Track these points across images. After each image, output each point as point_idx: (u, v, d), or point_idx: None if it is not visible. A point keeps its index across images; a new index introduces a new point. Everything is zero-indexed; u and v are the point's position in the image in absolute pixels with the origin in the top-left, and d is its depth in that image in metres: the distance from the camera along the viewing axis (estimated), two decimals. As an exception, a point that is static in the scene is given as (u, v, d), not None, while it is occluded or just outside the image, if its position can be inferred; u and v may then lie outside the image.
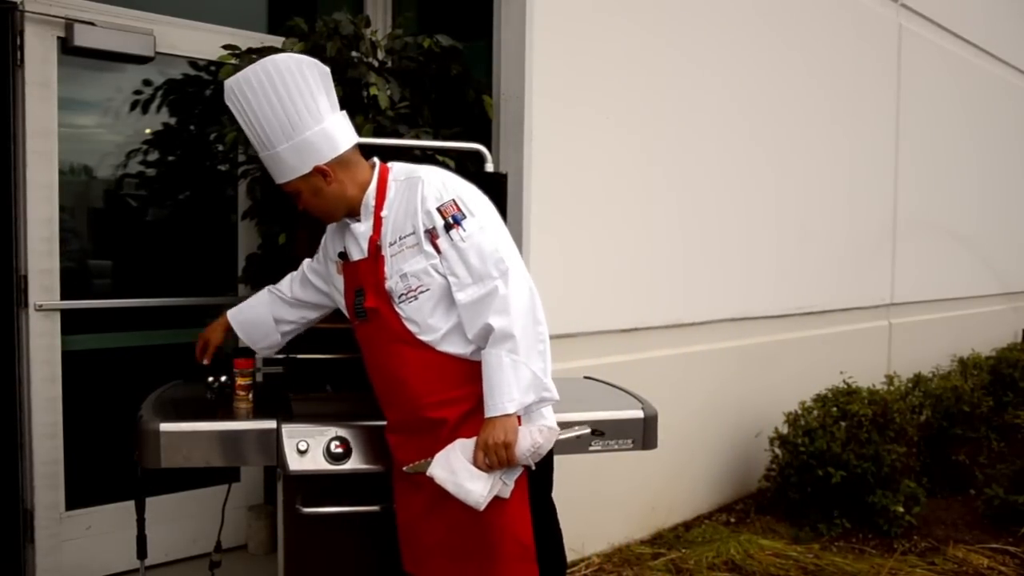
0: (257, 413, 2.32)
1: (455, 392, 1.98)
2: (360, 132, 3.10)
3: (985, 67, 7.04)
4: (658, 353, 3.99)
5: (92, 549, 3.32)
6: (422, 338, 2.00)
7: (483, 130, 3.47)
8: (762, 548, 3.77)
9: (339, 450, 2.20)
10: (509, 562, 1.98)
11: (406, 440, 2.09)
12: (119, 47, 3.22)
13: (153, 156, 3.54)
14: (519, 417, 1.94)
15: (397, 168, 2.11)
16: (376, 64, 3.32)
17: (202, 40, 3.46)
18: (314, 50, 3.23)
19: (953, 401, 4.96)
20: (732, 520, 4.28)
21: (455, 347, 1.98)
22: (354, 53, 3.23)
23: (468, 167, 3.31)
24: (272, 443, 2.21)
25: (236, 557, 3.56)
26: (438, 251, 1.96)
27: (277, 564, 2.31)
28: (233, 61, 3.24)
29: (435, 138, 3.25)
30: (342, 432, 2.22)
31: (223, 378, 2.51)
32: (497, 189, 2.75)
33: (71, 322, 3.25)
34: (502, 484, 1.95)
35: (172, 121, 3.57)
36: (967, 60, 6.75)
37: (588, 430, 2.02)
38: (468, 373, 1.97)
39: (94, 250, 3.45)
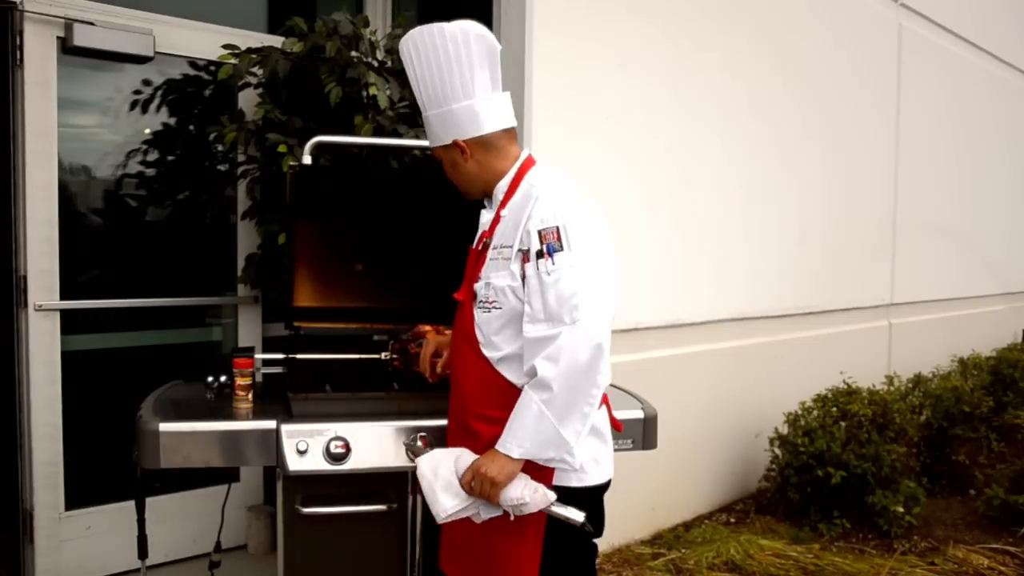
0: (257, 413, 2.31)
1: (498, 413, 1.90)
2: (359, 132, 3.11)
3: (985, 67, 7.04)
4: (658, 353, 3.99)
5: (92, 549, 3.32)
6: (483, 351, 1.94)
7: (483, 130, 3.46)
8: (762, 548, 3.77)
9: (339, 450, 2.19)
10: None
11: (455, 431, 2.07)
12: (119, 47, 3.21)
13: (153, 156, 3.54)
14: (552, 471, 1.89)
15: (536, 171, 2.00)
16: (375, 64, 3.32)
17: (202, 40, 3.46)
18: (313, 50, 3.23)
19: (953, 401, 4.95)
20: (732, 520, 4.27)
21: (511, 373, 1.91)
22: (353, 53, 3.23)
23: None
24: (272, 443, 2.21)
25: (236, 557, 3.56)
26: (523, 275, 1.86)
27: (277, 564, 2.31)
28: (232, 61, 3.24)
29: (435, 138, 3.24)
30: (342, 432, 2.21)
31: (222, 378, 2.50)
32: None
33: (71, 322, 3.25)
34: (476, 512, 1.91)
35: (172, 121, 3.56)
36: (967, 60, 6.74)
37: (581, 521, 1.90)
38: (515, 400, 1.87)
39: (93, 250, 3.45)
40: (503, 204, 1.97)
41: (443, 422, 2.28)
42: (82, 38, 3.13)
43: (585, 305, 1.80)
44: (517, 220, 1.90)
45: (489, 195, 2.03)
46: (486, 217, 2.03)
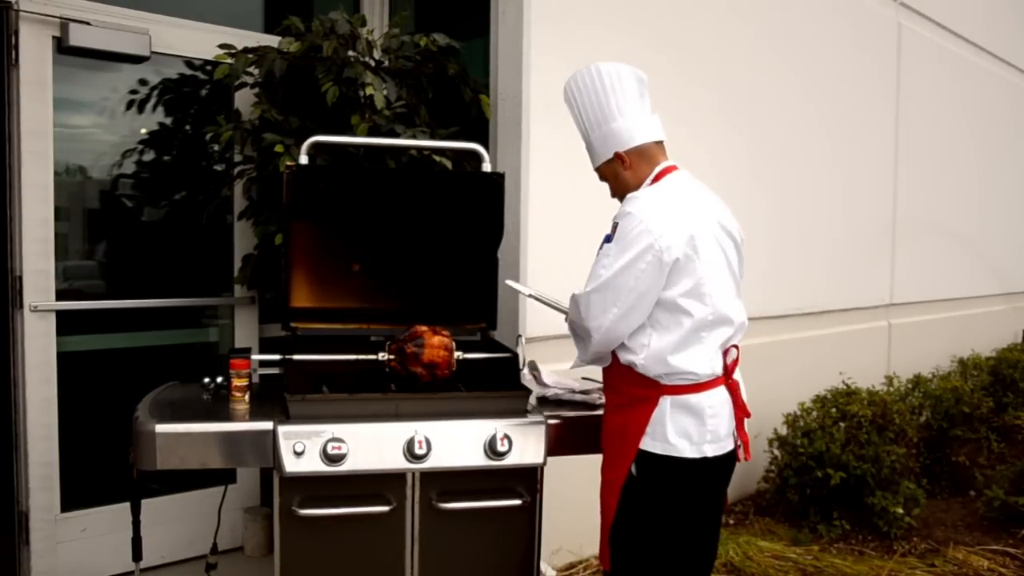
0: (253, 414, 2.30)
1: (616, 383, 2.25)
2: (356, 132, 3.11)
3: (985, 66, 7.03)
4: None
5: (88, 551, 3.30)
6: None
7: (480, 130, 3.46)
8: (761, 550, 3.76)
9: (336, 451, 2.18)
10: (604, 533, 2.27)
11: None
12: (115, 47, 3.20)
13: (149, 156, 3.53)
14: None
15: (668, 178, 2.24)
16: (372, 63, 3.31)
17: (198, 39, 3.45)
18: (310, 49, 3.22)
19: (953, 402, 4.94)
20: (731, 522, 4.26)
21: (620, 350, 2.21)
22: (350, 52, 3.22)
23: (465, 167, 3.31)
24: (268, 444, 2.20)
25: (232, 559, 3.54)
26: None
27: (273, 566, 2.29)
28: (229, 60, 3.23)
29: (432, 138, 3.23)
30: (339, 433, 2.20)
31: (219, 379, 2.49)
32: (494, 189, 2.74)
33: (66, 323, 3.23)
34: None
35: (168, 121, 3.55)
36: (967, 59, 6.74)
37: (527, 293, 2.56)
38: (629, 376, 2.19)
39: (89, 251, 3.44)
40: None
41: (441, 423, 2.28)
42: (78, 38, 3.12)
43: (594, 286, 2.12)
44: None
45: None
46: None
